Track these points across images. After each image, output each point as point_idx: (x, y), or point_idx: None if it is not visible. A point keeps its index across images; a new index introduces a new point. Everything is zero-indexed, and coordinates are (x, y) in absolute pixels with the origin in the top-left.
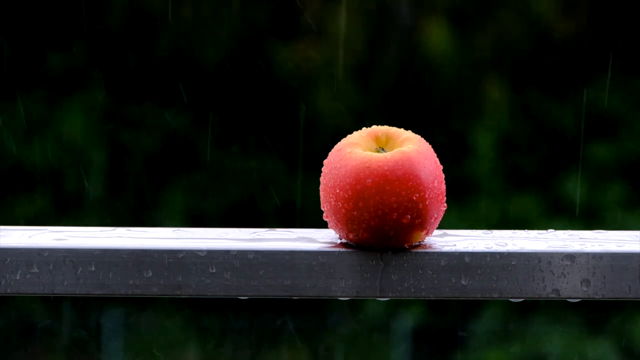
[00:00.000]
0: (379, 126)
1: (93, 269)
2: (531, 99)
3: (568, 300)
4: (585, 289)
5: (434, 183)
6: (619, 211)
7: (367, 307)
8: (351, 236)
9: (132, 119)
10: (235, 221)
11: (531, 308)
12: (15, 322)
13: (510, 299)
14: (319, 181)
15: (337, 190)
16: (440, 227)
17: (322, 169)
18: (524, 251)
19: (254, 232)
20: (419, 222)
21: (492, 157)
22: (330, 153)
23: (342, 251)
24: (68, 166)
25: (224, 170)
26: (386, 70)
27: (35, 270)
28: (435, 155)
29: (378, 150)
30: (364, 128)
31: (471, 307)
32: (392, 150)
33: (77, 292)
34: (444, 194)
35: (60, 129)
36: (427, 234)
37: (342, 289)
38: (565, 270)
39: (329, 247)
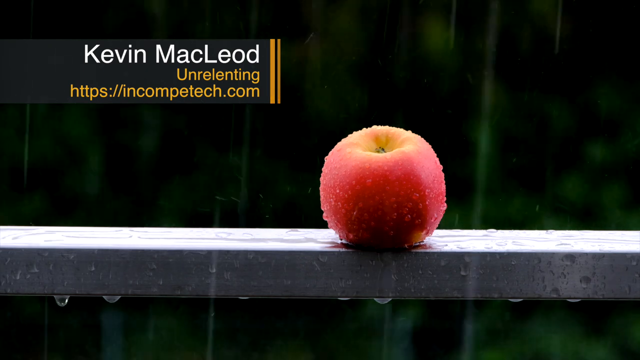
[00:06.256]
0: (379, 126)
1: (93, 269)
2: (531, 99)
3: (568, 300)
4: (585, 289)
5: (433, 183)
6: (618, 211)
7: (367, 307)
8: (351, 236)
9: (131, 119)
10: (235, 221)
11: (531, 308)
12: (15, 322)
13: (510, 299)
14: (319, 181)
15: (337, 190)
16: (440, 227)
17: (322, 169)
18: (524, 251)
19: (254, 232)
20: (419, 222)
21: (492, 157)
22: (330, 153)
23: (342, 251)
24: (68, 166)
25: (224, 170)
26: (386, 70)
27: (35, 270)
28: (435, 155)
29: (378, 150)
30: (364, 128)
31: (471, 307)
32: (392, 150)
33: (77, 292)
34: (444, 194)
35: (60, 129)
36: (427, 234)
37: (342, 289)
38: (565, 270)
39: (329, 247)
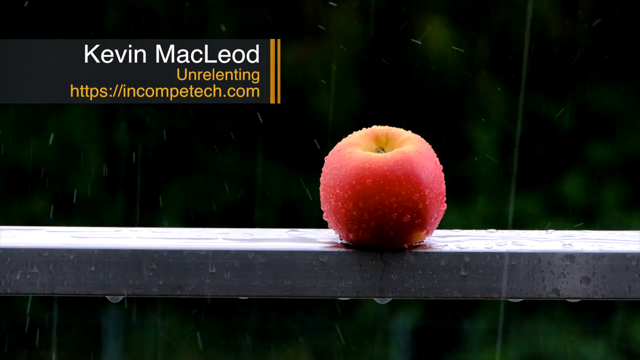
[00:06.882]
0: (379, 126)
1: (93, 269)
2: (531, 99)
3: (568, 300)
4: (585, 289)
5: (433, 183)
6: (618, 211)
7: (366, 307)
8: (351, 236)
9: (131, 119)
10: (235, 221)
11: (531, 308)
12: (15, 322)
13: (510, 299)
14: (319, 181)
15: (337, 191)
16: (440, 227)
17: (322, 169)
18: (524, 251)
19: (253, 232)
20: (419, 222)
21: (491, 157)
22: (330, 153)
23: (342, 251)
24: (68, 166)
25: (224, 170)
26: (386, 70)
27: (35, 270)
28: (435, 155)
29: (378, 150)
30: (364, 128)
31: (470, 307)
32: (392, 150)
33: (77, 292)
34: (444, 194)
35: (60, 129)
36: (427, 234)
37: (342, 289)
38: (565, 270)
39: (329, 247)
